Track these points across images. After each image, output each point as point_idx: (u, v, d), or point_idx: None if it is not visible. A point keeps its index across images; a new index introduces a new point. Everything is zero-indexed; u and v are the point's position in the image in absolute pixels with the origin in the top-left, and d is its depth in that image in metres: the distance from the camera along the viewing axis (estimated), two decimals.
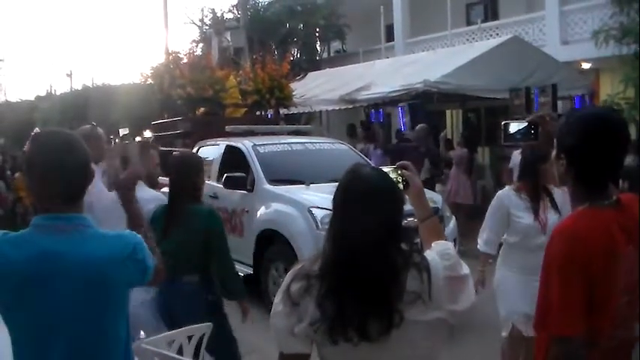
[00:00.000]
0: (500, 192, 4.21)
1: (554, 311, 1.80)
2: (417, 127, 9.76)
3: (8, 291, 1.92)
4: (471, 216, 8.14)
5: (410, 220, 1.92)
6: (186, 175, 3.88)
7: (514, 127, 2.28)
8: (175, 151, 6.36)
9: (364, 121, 14.36)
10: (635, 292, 1.88)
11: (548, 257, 1.87)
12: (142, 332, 4.02)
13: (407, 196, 1.96)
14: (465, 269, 1.83)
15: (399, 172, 1.98)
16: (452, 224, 7.13)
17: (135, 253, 2.02)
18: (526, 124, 2.27)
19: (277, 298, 1.82)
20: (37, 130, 4.64)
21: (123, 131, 19.99)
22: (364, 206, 1.74)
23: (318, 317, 1.71)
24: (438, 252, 1.82)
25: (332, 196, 1.83)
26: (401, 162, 2.03)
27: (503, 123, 2.33)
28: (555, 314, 1.80)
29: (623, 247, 1.86)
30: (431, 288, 1.71)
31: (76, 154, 2.01)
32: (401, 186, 1.95)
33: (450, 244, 1.87)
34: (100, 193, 4.06)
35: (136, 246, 2.04)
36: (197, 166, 4.03)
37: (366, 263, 1.69)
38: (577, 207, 1.95)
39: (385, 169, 1.97)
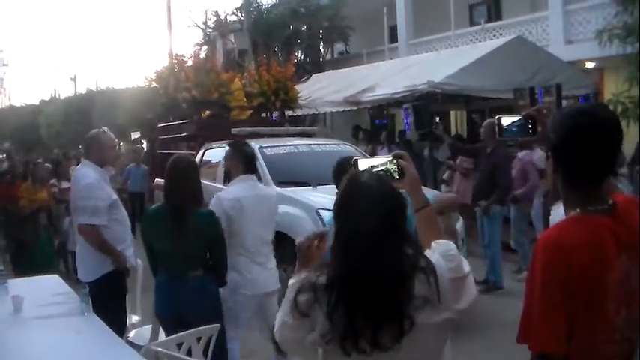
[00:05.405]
0: None
1: (534, 326, 1.70)
2: (485, 123, 7.81)
3: None
4: (473, 217, 8.10)
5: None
6: (185, 178, 3.95)
7: (506, 120, 2.18)
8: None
9: (367, 129, 14.37)
10: (634, 302, 1.77)
11: (531, 269, 1.76)
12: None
13: (402, 186, 1.95)
14: (467, 267, 1.85)
15: (395, 161, 1.99)
16: (459, 225, 7.11)
17: None
18: (519, 117, 2.17)
19: (284, 310, 1.81)
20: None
21: (134, 135, 20.02)
22: (366, 213, 1.74)
23: (328, 329, 1.71)
24: (441, 253, 1.82)
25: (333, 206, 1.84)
26: (397, 152, 2.06)
27: (496, 117, 2.22)
28: (536, 330, 1.70)
29: (614, 258, 1.73)
30: (439, 292, 1.72)
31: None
32: (396, 175, 1.96)
33: (451, 244, 1.87)
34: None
35: None
36: (195, 169, 4.17)
37: (373, 272, 1.68)
38: (569, 212, 1.81)
39: (381, 159, 1.99)
